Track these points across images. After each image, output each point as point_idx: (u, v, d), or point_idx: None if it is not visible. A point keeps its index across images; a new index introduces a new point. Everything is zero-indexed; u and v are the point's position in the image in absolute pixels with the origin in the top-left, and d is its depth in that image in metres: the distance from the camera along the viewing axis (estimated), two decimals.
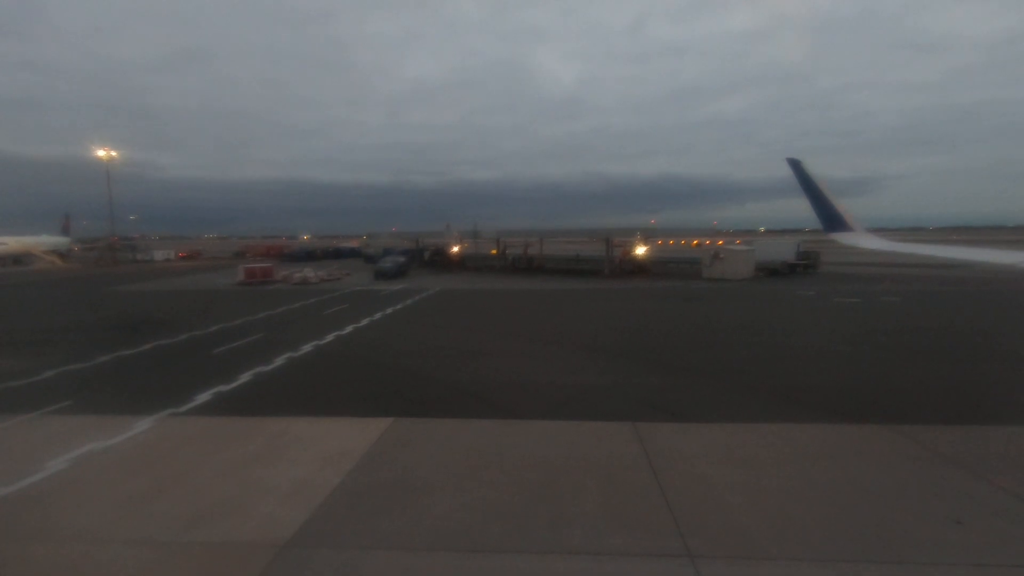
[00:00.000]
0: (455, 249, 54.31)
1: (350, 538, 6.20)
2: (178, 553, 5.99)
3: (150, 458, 8.48)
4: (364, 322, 21.29)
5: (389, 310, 24.68)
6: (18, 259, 65.21)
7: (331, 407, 10.99)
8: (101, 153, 65.95)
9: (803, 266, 42.08)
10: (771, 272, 40.52)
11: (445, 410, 10.70)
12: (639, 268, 43.95)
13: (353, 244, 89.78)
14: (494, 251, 55.32)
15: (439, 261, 54.59)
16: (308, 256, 73.11)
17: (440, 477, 7.65)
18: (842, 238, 11.84)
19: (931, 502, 6.86)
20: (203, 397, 11.63)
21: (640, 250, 44.85)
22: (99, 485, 7.57)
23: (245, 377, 13.25)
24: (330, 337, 18.15)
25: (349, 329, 19.67)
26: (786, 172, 12.15)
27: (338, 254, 79.81)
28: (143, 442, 9.17)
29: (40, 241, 70.94)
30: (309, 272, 40.49)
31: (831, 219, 11.74)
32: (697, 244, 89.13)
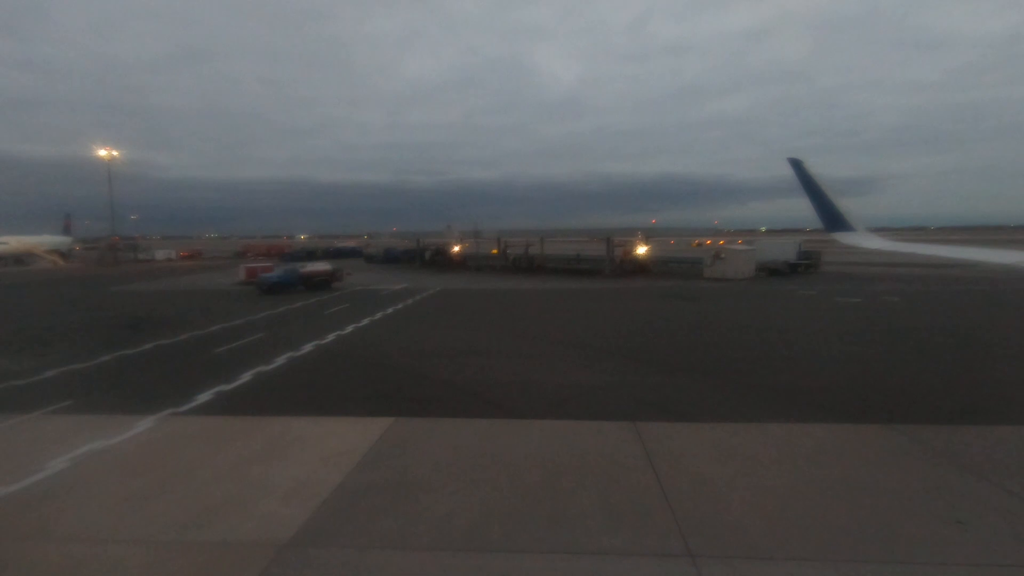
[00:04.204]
0: (456, 249, 54.34)
1: (351, 538, 6.21)
2: (179, 553, 5.99)
3: (151, 458, 8.49)
4: (364, 322, 21.30)
5: (390, 310, 24.69)
6: (20, 259, 65.28)
7: (332, 407, 11.00)
8: (102, 153, 66.02)
9: (804, 266, 42.03)
10: (772, 272, 40.49)
11: (445, 410, 10.69)
12: (640, 268, 43.94)
13: (353, 244, 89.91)
14: (495, 251, 55.34)
15: (440, 261, 54.63)
16: (308, 256, 73.17)
17: (440, 477, 7.65)
18: (843, 238, 11.82)
19: (932, 502, 6.85)
20: (204, 397, 11.64)
21: (641, 250, 44.83)
22: (100, 485, 7.58)
23: (246, 376, 13.25)
24: (331, 337, 18.16)
25: (350, 329, 19.68)
26: (788, 171, 12.13)
27: (339, 254, 79.92)
28: (144, 442, 9.18)
29: (41, 241, 71.01)
30: None
31: (832, 219, 11.72)
32: (698, 244, 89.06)
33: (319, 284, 33.08)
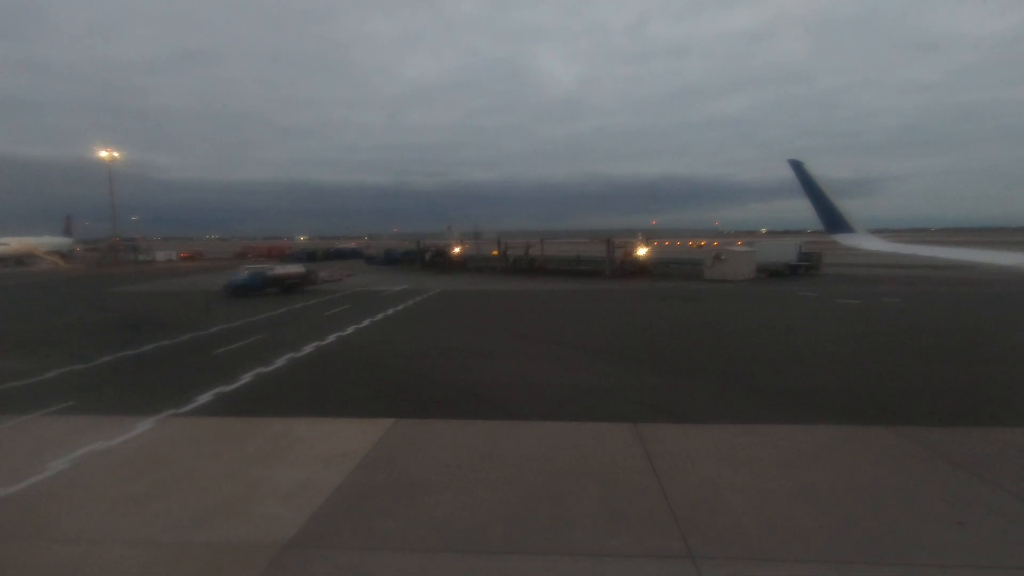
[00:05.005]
0: (456, 250, 54.36)
1: (351, 539, 6.20)
2: (179, 553, 5.98)
3: (151, 459, 8.49)
4: (365, 323, 21.30)
5: (390, 311, 24.69)
6: (21, 260, 65.31)
7: (332, 408, 10.99)
8: (103, 154, 66.17)
9: (805, 267, 42.02)
10: (772, 273, 40.48)
11: (446, 411, 10.69)
12: (640, 269, 43.94)
13: (353, 245, 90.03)
14: (495, 252, 55.36)
15: (440, 262, 54.66)
16: (309, 257, 73.23)
17: (441, 478, 7.64)
18: (844, 239, 11.82)
19: (933, 503, 6.84)
20: (204, 398, 11.64)
21: (641, 251, 44.84)
22: (101, 486, 7.58)
23: (246, 378, 13.25)
24: (331, 338, 18.15)
25: (350, 330, 19.68)
26: (788, 172, 12.14)
27: (339, 255, 80.00)
28: (144, 443, 9.18)
29: (42, 242, 71.09)
30: None
31: (833, 220, 11.73)
32: (701, 245, 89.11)
33: (290, 287, 31.94)
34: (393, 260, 62.64)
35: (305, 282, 33.46)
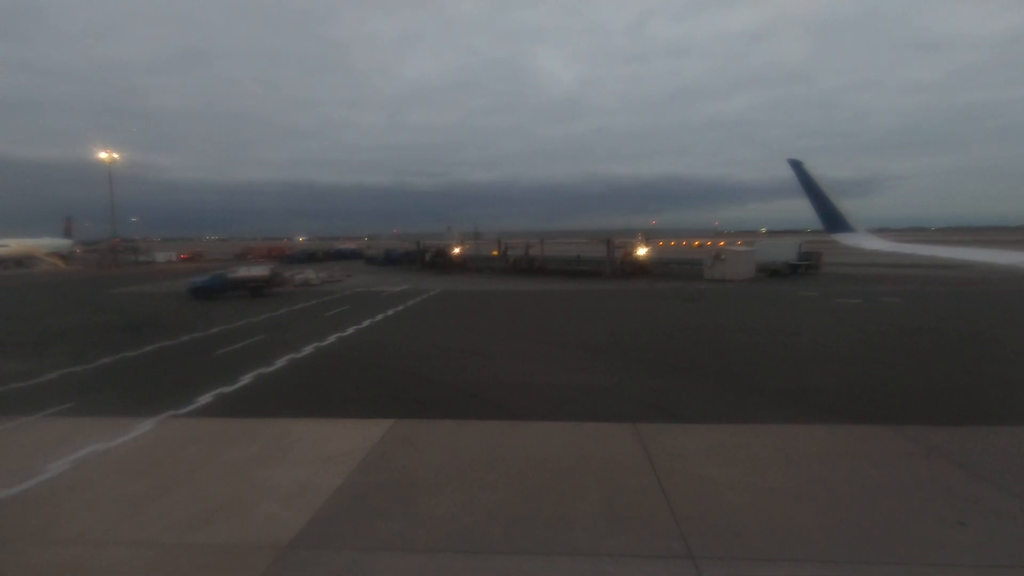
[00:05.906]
0: (456, 250, 54.37)
1: (352, 539, 6.21)
2: (180, 555, 6.00)
3: (152, 460, 8.50)
4: (365, 323, 21.30)
5: (391, 311, 24.70)
6: (20, 261, 65.28)
7: (332, 409, 10.99)
8: (102, 155, 66.13)
9: (804, 267, 41.99)
10: (772, 273, 40.46)
11: (446, 411, 10.69)
12: (640, 269, 43.93)
13: (353, 246, 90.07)
14: (495, 252, 55.38)
15: (440, 263, 54.66)
16: (309, 258, 73.23)
17: (441, 478, 7.65)
18: (844, 239, 11.82)
19: (933, 503, 6.84)
20: (205, 399, 11.64)
21: (641, 251, 44.84)
22: (101, 487, 7.59)
23: (247, 379, 13.26)
24: (332, 339, 18.16)
25: (351, 331, 19.69)
26: (788, 172, 12.14)
27: (339, 255, 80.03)
28: (145, 444, 9.19)
29: (42, 243, 71.07)
30: (311, 273, 40.53)
31: (832, 220, 11.72)
32: (699, 245, 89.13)
33: (254, 290, 31.44)
34: (393, 261, 62.62)
35: (270, 284, 32.39)
